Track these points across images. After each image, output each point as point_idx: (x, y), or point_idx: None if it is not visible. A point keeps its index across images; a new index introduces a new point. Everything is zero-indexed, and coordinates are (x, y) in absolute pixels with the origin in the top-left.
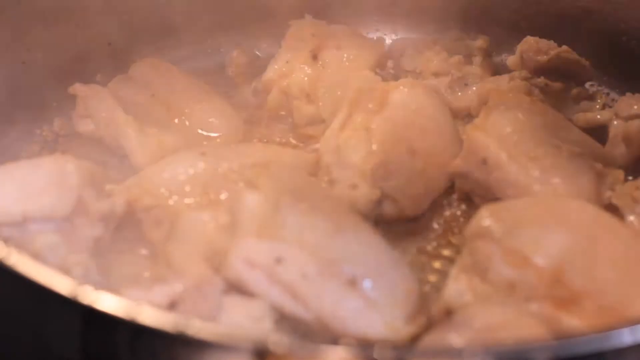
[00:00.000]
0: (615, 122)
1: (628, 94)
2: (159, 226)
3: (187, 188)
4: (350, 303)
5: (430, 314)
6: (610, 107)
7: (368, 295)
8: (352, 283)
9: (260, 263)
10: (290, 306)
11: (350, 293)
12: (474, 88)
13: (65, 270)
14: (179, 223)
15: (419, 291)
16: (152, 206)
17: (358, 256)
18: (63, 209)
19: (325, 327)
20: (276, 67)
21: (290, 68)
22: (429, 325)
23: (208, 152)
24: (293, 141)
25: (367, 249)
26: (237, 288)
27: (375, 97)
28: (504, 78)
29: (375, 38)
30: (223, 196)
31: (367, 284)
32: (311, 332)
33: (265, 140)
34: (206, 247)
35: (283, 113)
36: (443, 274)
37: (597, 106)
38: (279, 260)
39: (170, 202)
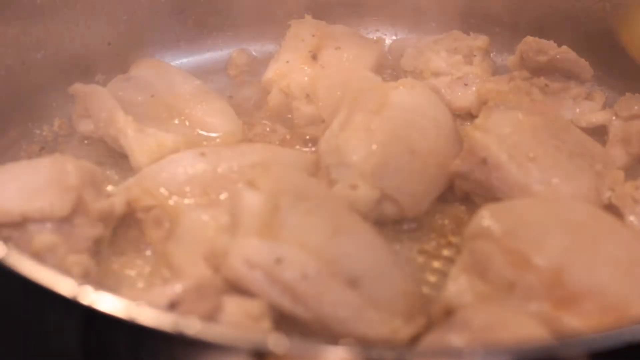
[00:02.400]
0: (615, 122)
1: (628, 94)
2: (159, 226)
3: (187, 188)
4: (349, 303)
5: (430, 314)
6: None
7: (368, 295)
8: (352, 283)
9: (260, 263)
10: (290, 306)
11: (350, 293)
12: (474, 88)
13: (64, 270)
14: (179, 223)
15: (418, 291)
16: (152, 206)
17: (358, 256)
18: (62, 209)
19: (325, 327)
20: (276, 67)
21: (290, 68)
22: (429, 326)
23: (207, 152)
24: (293, 141)
25: (367, 249)
26: (236, 288)
27: (375, 97)
28: (504, 78)
29: (375, 38)
30: (223, 196)
31: (366, 284)
32: (311, 332)
33: (265, 140)
34: (206, 247)
35: (283, 113)
36: (443, 274)
37: (597, 106)
38: (279, 261)
39: (170, 202)
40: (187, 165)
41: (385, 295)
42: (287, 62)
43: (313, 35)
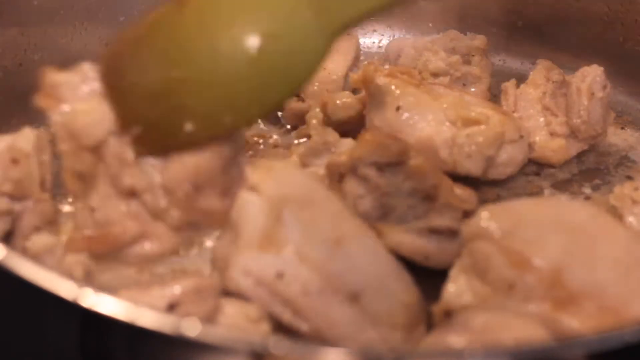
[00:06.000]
0: None
1: None
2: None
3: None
4: (349, 319)
5: (430, 317)
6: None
7: (367, 310)
8: (353, 298)
9: (260, 276)
10: (290, 319)
11: (350, 309)
12: (473, 89)
13: (64, 271)
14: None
15: (420, 301)
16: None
17: (360, 270)
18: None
19: (324, 341)
20: None
21: None
22: (428, 327)
23: None
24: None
25: (368, 261)
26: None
27: None
28: None
29: (372, 39)
30: None
31: (367, 298)
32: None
33: (261, 141)
34: None
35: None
36: (443, 275)
37: None
38: (279, 275)
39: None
40: None
41: (385, 308)
42: None
43: None
